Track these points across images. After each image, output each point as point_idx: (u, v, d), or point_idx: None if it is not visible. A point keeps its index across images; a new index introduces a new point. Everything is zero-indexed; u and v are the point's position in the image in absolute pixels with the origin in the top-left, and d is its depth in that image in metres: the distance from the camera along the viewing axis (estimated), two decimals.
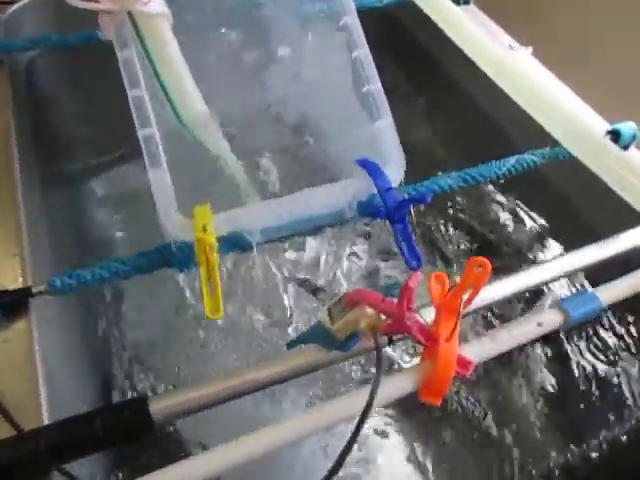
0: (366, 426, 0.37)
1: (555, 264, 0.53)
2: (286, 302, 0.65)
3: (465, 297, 0.41)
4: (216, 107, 0.60)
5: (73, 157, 0.92)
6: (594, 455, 0.67)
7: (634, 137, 0.66)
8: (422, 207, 0.83)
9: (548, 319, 0.45)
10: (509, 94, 0.75)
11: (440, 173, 0.63)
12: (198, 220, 0.50)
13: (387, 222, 0.56)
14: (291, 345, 0.48)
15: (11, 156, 0.66)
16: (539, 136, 0.69)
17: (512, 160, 0.64)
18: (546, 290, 0.66)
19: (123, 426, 0.43)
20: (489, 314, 0.74)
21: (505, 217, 0.86)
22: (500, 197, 0.88)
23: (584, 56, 1.06)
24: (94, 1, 0.54)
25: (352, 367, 0.69)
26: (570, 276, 0.75)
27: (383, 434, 0.66)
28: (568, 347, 0.73)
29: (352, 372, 0.69)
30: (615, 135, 0.70)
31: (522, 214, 0.86)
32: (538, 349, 0.73)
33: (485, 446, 0.68)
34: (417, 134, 0.97)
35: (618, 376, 0.71)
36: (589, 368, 0.72)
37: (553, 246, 0.82)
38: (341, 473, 0.35)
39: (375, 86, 0.60)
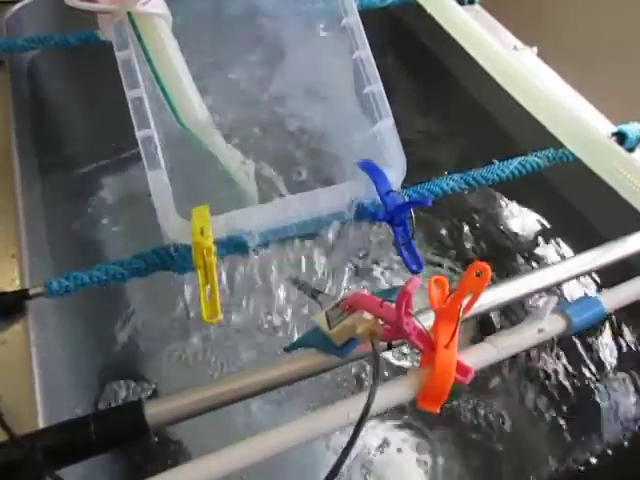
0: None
1: (558, 268, 0.53)
2: (285, 305, 0.64)
3: (465, 302, 0.41)
4: (215, 108, 0.60)
5: (74, 157, 0.92)
6: (598, 461, 0.66)
7: None
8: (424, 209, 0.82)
9: (550, 325, 0.45)
10: (513, 95, 0.74)
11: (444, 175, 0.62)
12: (196, 222, 0.50)
13: (388, 225, 0.55)
14: (289, 349, 0.48)
15: (10, 156, 0.66)
16: (543, 137, 0.68)
17: (515, 162, 0.64)
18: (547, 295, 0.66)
19: (117, 431, 0.42)
20: None
21: (507, 219, 0.85)
22: (503, 199, 0.87)
23: (589, 56, 1.05)
24: (92, 1, 0.54)
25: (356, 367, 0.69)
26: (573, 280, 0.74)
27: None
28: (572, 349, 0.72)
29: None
30: (620, 137, 0.69)
31: (524, 216, 0.85)
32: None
33: (486, 450, 0.67)
34: (420, 135, 0.96)
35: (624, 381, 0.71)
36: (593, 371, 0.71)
37: (556, 250, 0.81)
38: None
39: (376, 87, 0.59)
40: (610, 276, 0.53)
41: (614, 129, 0.71)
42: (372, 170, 0.55)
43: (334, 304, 0.46)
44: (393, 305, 0.41)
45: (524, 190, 0.86)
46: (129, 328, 0.71)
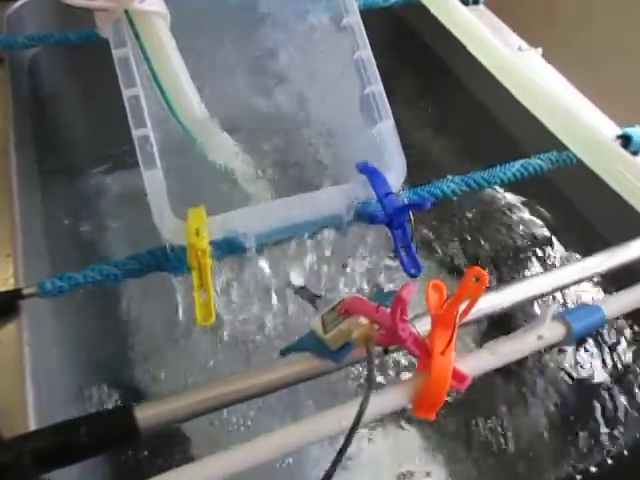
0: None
1: (559, 273, 0.52)
2: (282, 308, 0.63)
3: (462, 308, 0.40)
4: (214, 108, 0.59)
5: (74, 157, 0.91)
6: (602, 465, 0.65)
7: None
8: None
9: (549, 332, 0.44)
10: (516, 96, 0.73)
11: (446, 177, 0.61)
12: (191, 223, 0.49)
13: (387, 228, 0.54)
14: (285, 352, 0.47)
15: (8, 155, 0.65)
16: (547, 139, 0.67)
17: (517, 164, 0.63)
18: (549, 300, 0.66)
19: (108, 434, 0.42)
20: None
21: (510, 223, 0.84)
22: (505, 202, 0.86)
23: (594, 58, 1.04)
24: None
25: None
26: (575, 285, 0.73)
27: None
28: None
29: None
30: (625, 140, 0.68)
31: (527, 220, 0.84)
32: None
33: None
34: (422, 137, 0.96)
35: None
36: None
37: (558, 254, 0.80)
38: None
39: (377, 87, 0.58)
40: (612, 282, 0.52)
41: (619, 132, 0.69)
42: (371, 172, 0.54)
43: (330, 308, 0.46)
44: (389, 310, 0.40)
45: (527, 192, 0.85)
46: (125, 329, 0.70)
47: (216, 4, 0.63)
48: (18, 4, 0.86)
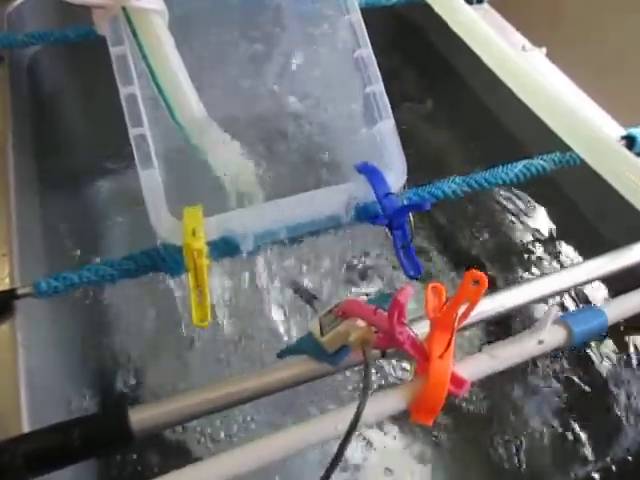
0: None
1: (561, 276, 0.51)
2: (279, 310, 0.63)
3: (461, 311, 0.39)
4: (212, 106, 0.58)
5: (73, 156, 0.91)
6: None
7: None
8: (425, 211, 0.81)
9: (550, 336, 0.43)
10: (520, 96, 0.72)
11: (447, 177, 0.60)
12: (188, 223, 0.49)
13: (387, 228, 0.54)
14: (282, 355, 0.46)
15: (6, 155, 0.65)
16: (551, 140, 0.66)
17: (519, 165, 0.62)
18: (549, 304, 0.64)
19: (101, 437, 0.41)
20: None
21: (511, 224, 0.84)
22: (507, 202, 0.86)
23: (599, 59, 1.03)
24: None
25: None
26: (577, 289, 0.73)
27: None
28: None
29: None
30: (630, 140, 0.67)
31: (529, 221, 0.83)
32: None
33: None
34: (424, 136, 0.95)
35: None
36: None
37: (561, 256, 0.79)
38: None
39: (377, 87, 0.58)
40: (616, 285, 0.51)
41: (623, 132, 0.69)
42: (370, 172, 0.54)
43: (327, 310, 0.45)
44: (386, 313, 0.39)
45: (529, 193, 0.84)
46: (121, 330, 0.70)
47: (215, 2, 0.62)
48: (18, 2, 0.85)
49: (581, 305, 0.73)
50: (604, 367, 0.70)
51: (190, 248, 0.46)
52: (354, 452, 0.64)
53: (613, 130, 0.71)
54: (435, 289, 0.42)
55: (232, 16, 0.63)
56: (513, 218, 0.84)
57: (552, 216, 0.83)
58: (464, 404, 0.68)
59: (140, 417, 0.41)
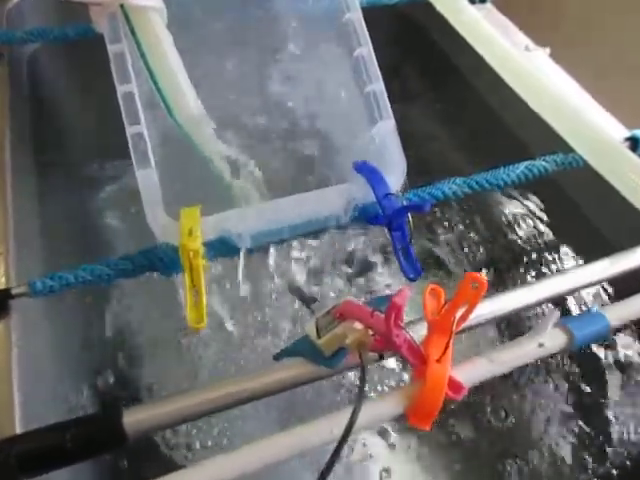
0: None
1: (562, 279, 0.50)
2: (277, 311, 0.62)
3: (460, 314, 0.39)
4: (210, 105, 0.58)
5: (73, 154, 0.90)
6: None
7: None
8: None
9: (551, 340, 0.42)
10: (522, 96, 0.72)
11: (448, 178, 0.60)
12: (184, 223, 0.48)
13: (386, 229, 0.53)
14: (278, 357, 0.46)
15: (3, 151, 0.64)
16: (554, 141, 0.65)
17: (521, 166, 0.61)
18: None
19: (94, 439, 0.41)
20: None
21: (512, 225, 0.83)
22: (508, 203, 0.85)
23: (603, 58, 1.02)
24: None
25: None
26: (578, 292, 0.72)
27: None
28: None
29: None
30: (633, 142, 0.66)
31: (531, 222, 0.82)
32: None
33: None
34: (426, 136, 0.94)
35: None
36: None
37: (563, 258, 0.78)
38: None
39: (377, 86, 0.57)
40: (618, 288, 0.51)
41: (627, 134, 0.68)
42: (370, 172, 0.53)
43: (325, 312, 0.44)
44: (384, 315, 0.39)
45: (531, 194, 0.83)
46: (118, 331, 0.69)
47: (214, 1, 0.62)
48: None
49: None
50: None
51: (186, 248, 0.46)
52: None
53: (617, 131, 0.70)
54: (433, 291, 0.41)
55: (231, 15, 0.62)
56: (514, 219, 0.83)
57: (554, 218, 0.82)
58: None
59: (134, 419, 0.41)
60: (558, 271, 0.78)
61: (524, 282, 0.77)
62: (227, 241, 0.51)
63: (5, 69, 0.76)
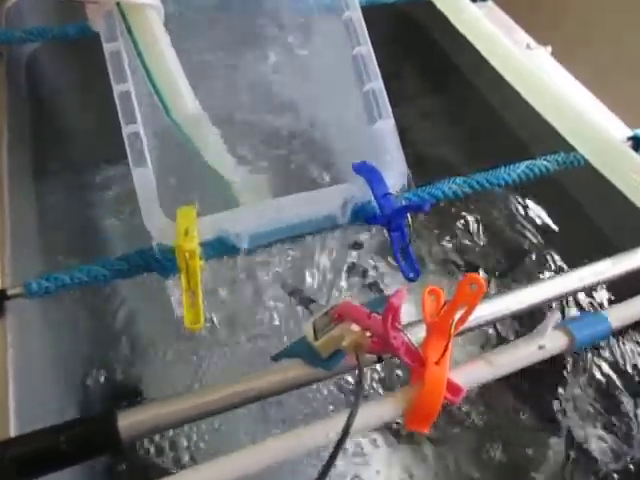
0: None
1: (564, 279, 0.49)
2: (275, 312, 0.62)
3: (459, 316, 0.38)
4: (209, 105, 0.57)
5: (71, 153, 0.90)
6: None
7: None
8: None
9: (551, 342, 0.42)
10: (524, 95, 0.71)
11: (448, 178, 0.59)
12: (181, 223, 0.48)
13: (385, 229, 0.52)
14: (276, 358, 0.45)
15: (0, 153, 0.64)
16: (556, 140, 0.65)
17: (522, 166, 0.61)
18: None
19: (89, 442, 0.40)
20: None
21: (513, 226, 0.82)
22: (509, 203, 0.84)
23: (605, 57, 1.01)
24: None
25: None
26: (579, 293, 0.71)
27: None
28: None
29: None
30: (636, 142, 0.66)
31: (532, 222, 0.82)
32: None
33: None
34: (428, 136, 0.93)
35: None
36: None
37: (564, 259, 0.77)
38: None
39: (376, 85, 0.56)
40: (620, 289, 0.50)
41: (630, 133, 0.67)
42: (369, 172, 0.52)
43: (323, 313, 0.44)
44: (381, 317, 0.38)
45: (532, 194, 0.83)
46: (115, 333, 0.69)
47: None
48: None
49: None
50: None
51: (182, 249, 0.45)
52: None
53: (619, 131, 0.69)
54: (433, 292, 0.41)
55: (229, 13, 0.62)
56: (515, 219, 0.83)
57: (556, 218, 0.81)
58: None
59: (129, 421, 0.40)
60: (559, 272, 0.77)
61: (525, 283, 0.76)
62: (225, 241, 0.50)
63: (3, 68, 0.75)
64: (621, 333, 0.68)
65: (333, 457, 0.34)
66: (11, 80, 0.76)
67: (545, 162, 0.62)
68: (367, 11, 0.60)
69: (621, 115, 0.72)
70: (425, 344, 0.39)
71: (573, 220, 0.77)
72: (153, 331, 0.69)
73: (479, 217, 0.83)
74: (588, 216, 0.72)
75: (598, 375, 0.68)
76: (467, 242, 0.81)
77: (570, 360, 0.67)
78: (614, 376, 0.68)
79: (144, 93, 0.55)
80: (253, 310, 0.63)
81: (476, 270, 0.78)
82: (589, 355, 0.68)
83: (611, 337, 0.68)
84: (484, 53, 0.79)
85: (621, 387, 0.67)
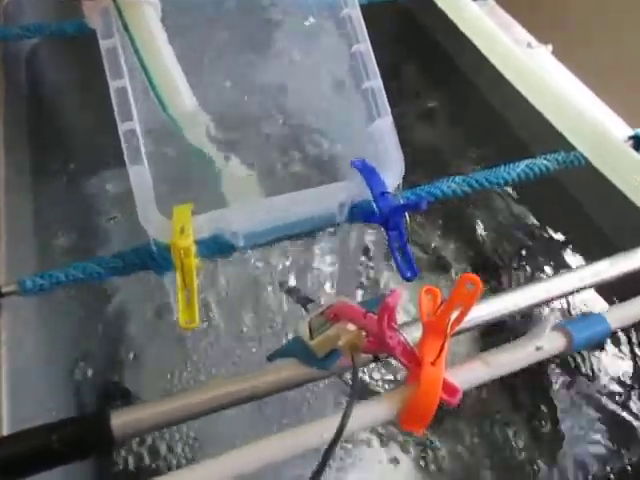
0: None
1: (563, 279, 0.49)
2: (271, 311, 0.61)
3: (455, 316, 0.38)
4: (206, 103, 0.57)
5: (70, 150, 0.89)
6: None
7: None
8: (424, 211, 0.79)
9: (549, 343, 0.41)
10: (524, 94, 0.71)
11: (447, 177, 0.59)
12: (177, 221, 0.47)
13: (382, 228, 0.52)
14: (271, 358, 0.45)
15: None
16: (557, 139, 0.64)
17: (522, 165, 0.60)
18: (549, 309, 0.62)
19: (81, 441, 0.40)
20: None
21: (513, 225, 0.82)
22: (509, 202, 0.84)
23: (606, 56, 1.01)
24: None
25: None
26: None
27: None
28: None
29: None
30: (637, 141, 0.65)
31: (531, 222, 0.81)
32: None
33: None
34: (428, 135, 0.93)
35: None
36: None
37: (564, 258, 0.77)
38: None
39: (375, 83, 0.56)
40: (619, 290, 0.49)
41: (631, 132, 0.67)
42: (366, 170, 0.52)
43: (318, 312, 0.44)
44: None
45: (532, 193, 0.82)
46: (111, 331, 0.68)
47: None
48: None
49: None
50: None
51: (177, 247, 0.45)
52: None
53: (620, 130, 0.69)
54: (429, 292, 0.40)
55: (226, 9, 0.61)
56: (515, 218, 0.82)
57: (556, 217, 0.81)
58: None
59: (122, 421, 0.40)
60: (558, 272, 0.77)
61: (524, 283, 0.75)
62: (221, 239, 0.50)
63: (1, 65, 0.75)
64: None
65: (326, 458, 0.33)
66: (9, 77, 0.75)
67: (545, 161, 0.61)
68: (367, 9, 0.60)
69: (622, 114, 0.72)
70: (421, 344, 0.38)
71: (573, 220, 0.77)
72: (149, 330, 0.68)
73: (478, 216, 0.83)
74: (588, 216, 0.72)
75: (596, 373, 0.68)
76: (466, 241, 0.81)
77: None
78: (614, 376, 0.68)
79: (141, 90, 0.54)
80: (249, 309, 0.62)
81: (475, 270, 0.77)
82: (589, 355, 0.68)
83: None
84: (485, 51, 0.79)
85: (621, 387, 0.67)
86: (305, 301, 0.51)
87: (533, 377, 0.67)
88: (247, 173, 0.60)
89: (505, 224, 0.82)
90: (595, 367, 0.68)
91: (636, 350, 0.69)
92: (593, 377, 0.67)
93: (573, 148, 0.63)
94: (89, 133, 0.91)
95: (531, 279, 0.76)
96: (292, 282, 0.60)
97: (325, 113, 0.61)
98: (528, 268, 0.77)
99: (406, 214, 0.50)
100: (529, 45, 0.84)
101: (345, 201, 0.52)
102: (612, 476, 0.61)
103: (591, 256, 0.51)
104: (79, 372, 0.62)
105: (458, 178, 0.58)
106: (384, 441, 0.63)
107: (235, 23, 0.62)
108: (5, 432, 0.44)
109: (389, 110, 0.56)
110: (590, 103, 0.74)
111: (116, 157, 0.88)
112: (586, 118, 0.65)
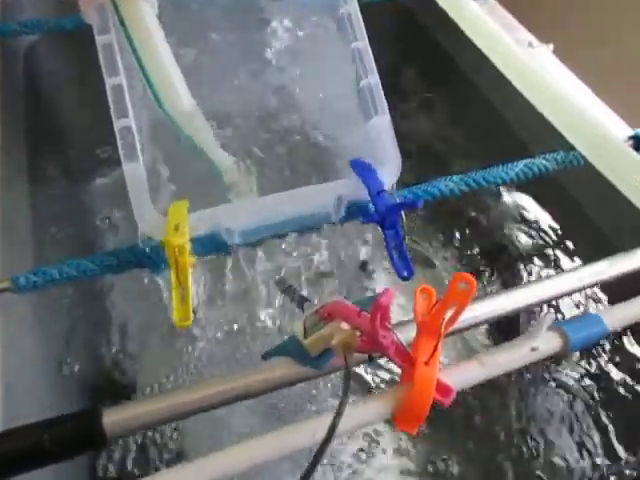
0: None
1: (560, 280, 0.49)
2: (267, 310, 0.61)
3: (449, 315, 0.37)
4: (203, 99, 0.57)
5: (68, 148, 0.89)
6: None
7: None
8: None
9: (545, 343, 0.41)
10: (524, 93, 0.70)
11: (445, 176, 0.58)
12: (171, 219, 0.47)
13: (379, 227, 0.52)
14: (266, 356, 0.45)
15: None
16: (557, 139, 0.64)
17: (520, 164, 0.60)
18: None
19: (72, 439, 0.40)
20: None
21: (512, 225, 0.81)
22: (508, 202, 0.83)
23: (607, 56, 1.00)
24: None
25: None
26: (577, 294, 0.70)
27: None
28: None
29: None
30: (637, 141, 0.65)
31: (530, 222, 0.81)
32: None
33: None
34: (427, 134, 0.92)
35: None
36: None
37: (562, 258, 0.77)
38: None
39: (373, 80, 0.56)
40: (616, 291, 0.49)
41: (631, 132, 0.66)
42: (364, 168, 0.52)
43: (313, 311, 0.43)
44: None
45: (531, 193, 0.82)
46: (107, 329, 0.68)
47: None
48: None
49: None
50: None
51: (171, 244, 0.45)
52: None
53: (620, 130, 0.68)
54: (424, 291, 0.40)
55: (225, 7, 0.61)
56: (514, 218, 0.82)
57: (555, 217, 0.80)
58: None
59: (114, 418, 0.40)
60: (556, 272, 0.77)
61: (522, 283, 0.75)
62: (216, 237, 0.50)
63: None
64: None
65: (317, 457, 0.33)
66: (7, 74, 0.75)
67: (544, 161, 0.61)
68: (367, 8, 0.59)
69: (622, 114, 0.71)
70: (415, 344, 0.38)
71: (572, 220, 0.76)
72: (144, 327, 0.68)
73: (478, 216, 0.82)
74: (587, 216, 0.71)
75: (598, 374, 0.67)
76: (465, 241, 0.80)
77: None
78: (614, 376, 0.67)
79: (137, 87, 0.54)
80: (245, 308, 0.62)
81: (475, 269, 0.77)
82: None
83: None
84: (485, 51, 0.78)
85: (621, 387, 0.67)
86: (301, 300, 0.51)
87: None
88: (243, 171, 0.59)
89: (504, 224, 0.81)
90: (593, 367, 0.68)
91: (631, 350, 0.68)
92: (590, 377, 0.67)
93: (573, 148, 0.62)
94: (87, 129, 0.90)
95: (530, 279, 0.76)
96: (288, 281, 0.60)
97: (322, 111, 0.61)
98: (527, 268, 0.77)
99: (402, 213, 0.50)
100: (530, 45, 0.84)
101: (341, 200, 0.51)
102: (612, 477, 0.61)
103: (591, 256, 0.51)
104: (72, 370, 0.62)
105: (456, 177, 0.58)
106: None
107: (232, 20, 0.62)
108: None
109: (387, 108, 0.55)
110: (590, 103, 0.74)
111: (113, 153, 0.88)
112: (586, 118, 0.64)
